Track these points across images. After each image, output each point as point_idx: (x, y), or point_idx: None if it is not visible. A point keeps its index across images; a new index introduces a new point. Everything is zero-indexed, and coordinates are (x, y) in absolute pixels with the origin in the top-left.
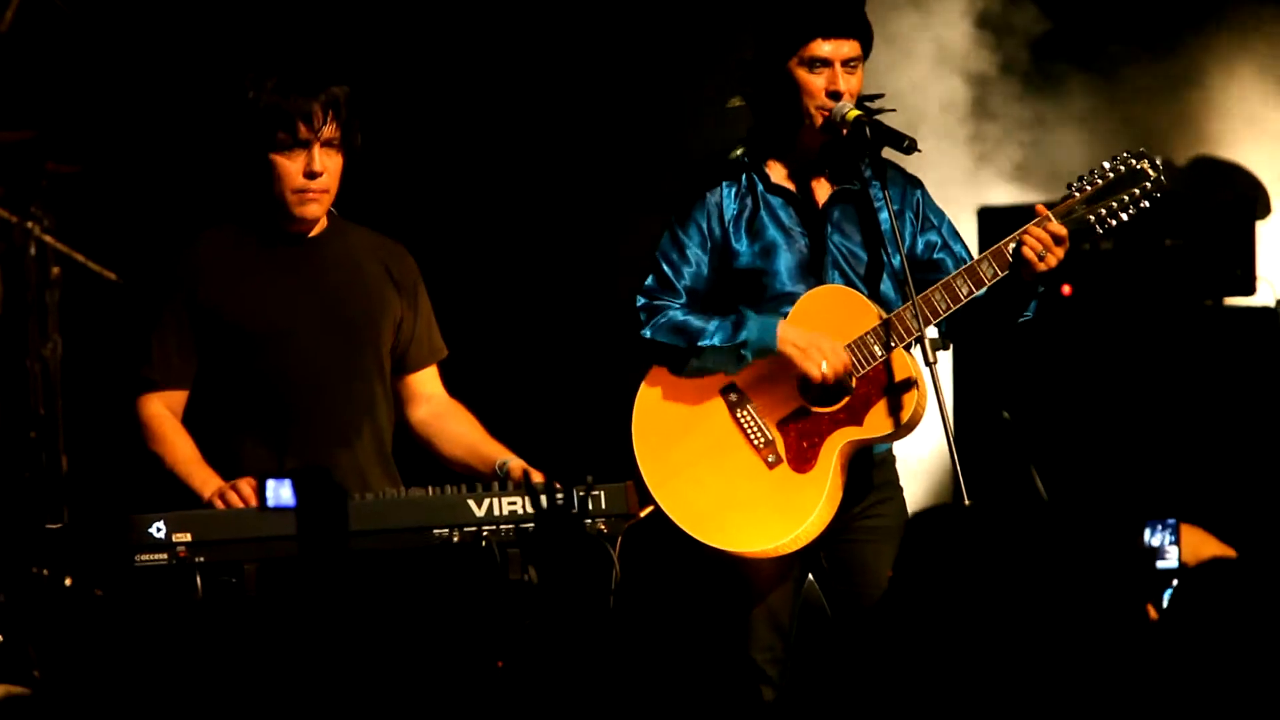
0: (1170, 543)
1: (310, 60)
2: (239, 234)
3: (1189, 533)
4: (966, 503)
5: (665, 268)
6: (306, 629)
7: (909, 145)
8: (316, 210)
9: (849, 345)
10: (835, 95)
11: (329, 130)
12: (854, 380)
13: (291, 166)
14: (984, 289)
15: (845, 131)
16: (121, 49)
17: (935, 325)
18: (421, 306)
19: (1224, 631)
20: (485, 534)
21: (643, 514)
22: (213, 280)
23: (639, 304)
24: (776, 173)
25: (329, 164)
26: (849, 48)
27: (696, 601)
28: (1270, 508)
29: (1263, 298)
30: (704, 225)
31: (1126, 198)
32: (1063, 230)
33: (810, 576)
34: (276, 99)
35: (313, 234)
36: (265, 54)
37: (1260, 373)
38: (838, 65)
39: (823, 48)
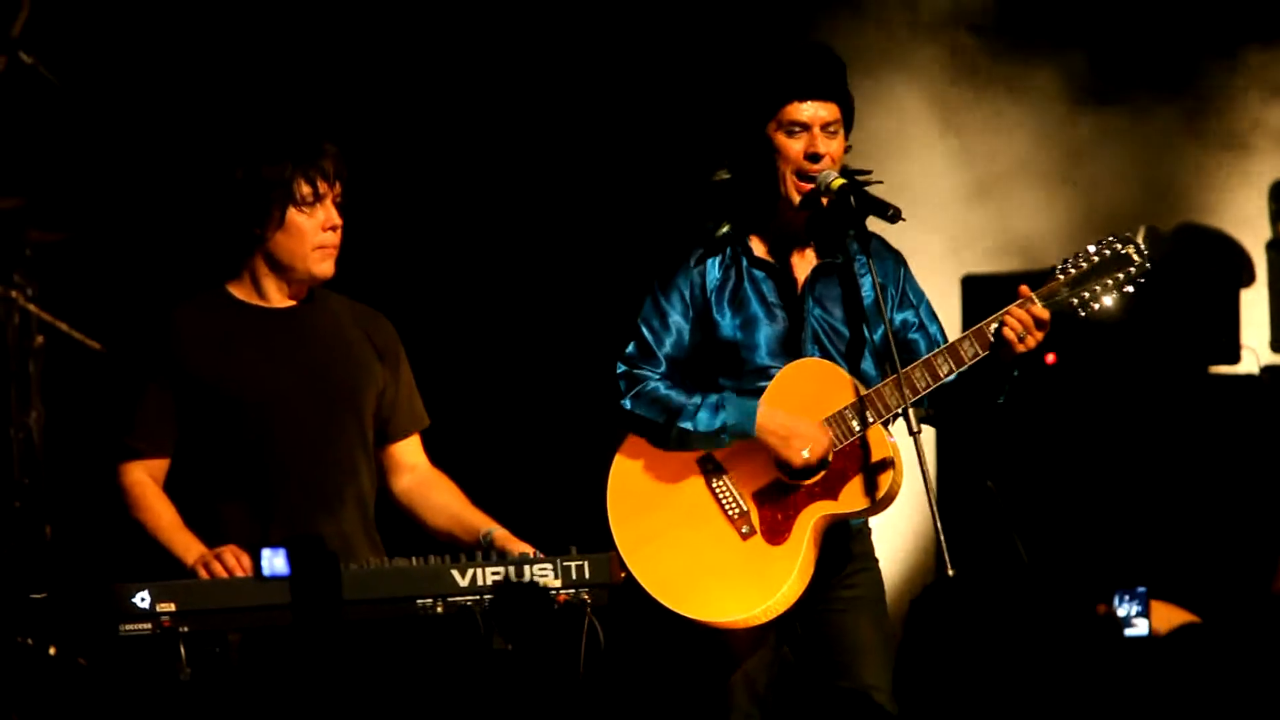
0: (1138, 613)
1: (311, 121)
2: (221, 303)
3: (1159, 606)
4: (950, 572)
5: (647, 334)
6: (291, 699)
7: (893, 214)
8: (331, 267)
9: (827, 420)
10: (814, 158)
11: (338, 186)
12: (830, 455)
13: (312, 223)
14: (964, 368)
15: (827, 201)
16: (107, 119)
17: (914, 403)
18: (403, 374)
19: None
20: (469, 603)
21: (620, 579)
22: (195, 349)
23: (619, 371)
24: (759, 247)
25: (339, 218)
26: (827, 111)
27: (675, 668)
28: (1252, 573)
29: (1246, 366)
30: (686, 294)
31: (1110, 281)
32: (1045, 314)
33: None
34: (293, 160)
35: (293, 303)
36: (262, 118)
37: (1245, 440)
38: (816, 129)
39: (801, 111)
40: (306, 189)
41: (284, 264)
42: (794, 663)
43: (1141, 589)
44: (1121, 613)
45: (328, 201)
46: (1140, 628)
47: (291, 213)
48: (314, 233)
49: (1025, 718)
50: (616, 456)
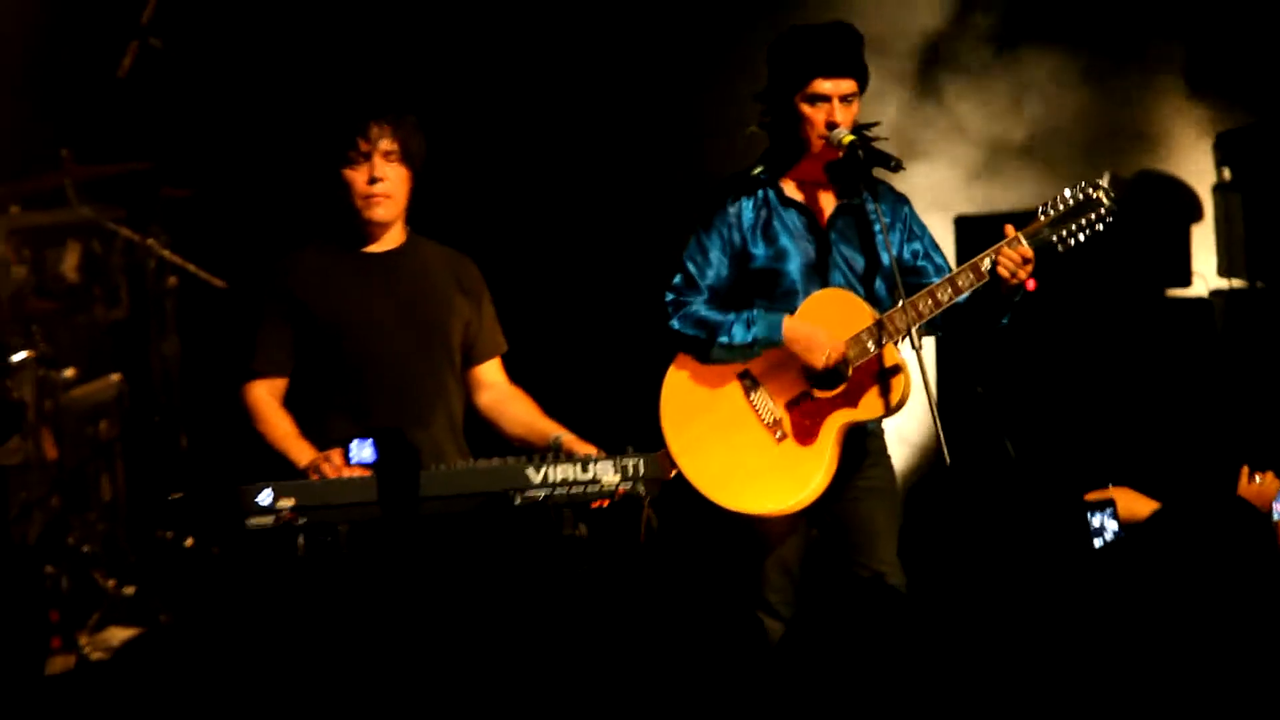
0: (1110, 518)
1: (367, 88)
2: (330, 247)
3: (1121, 493)
4: (947, 462)
5: (691, 268)
6: (393, 581)
7: (895, 165)
8: (383, 214)
9: (847, 341)
10: (832, 126)
11: (386, 144)
12: (850, 369)
13: (357, 176)
14: (963, 296)
15: (841, 154)
16: (225, 91)
17: (921, 324)
18: (485, 308)
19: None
20: (543, 497)
21: (670, 475)
22: (308, 285)
23: (668, 299)
24: (789, 188)
25: (389, 172)
26: (846, 85)
27: (719, 552)
28: (1201, 465)
29: (1197, 290)
30: (725, 233)
31: (1084, 221)
32: (1030, 253)
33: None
34: (341, 123)
35: (392, 248)
36: (331, 87)
37: (1195, 351)
38: (835, 100)
39: (823, 86)
40: (349, 150)
41: (350, 211)
42: (821, 544)
43: (1109, 501)
44: (1095, 524)
45: (375, 158)
46: (1109, 531)
47: (345, 171)
48: (360, 186)
49: (1011, 585)
50: (668, 372)
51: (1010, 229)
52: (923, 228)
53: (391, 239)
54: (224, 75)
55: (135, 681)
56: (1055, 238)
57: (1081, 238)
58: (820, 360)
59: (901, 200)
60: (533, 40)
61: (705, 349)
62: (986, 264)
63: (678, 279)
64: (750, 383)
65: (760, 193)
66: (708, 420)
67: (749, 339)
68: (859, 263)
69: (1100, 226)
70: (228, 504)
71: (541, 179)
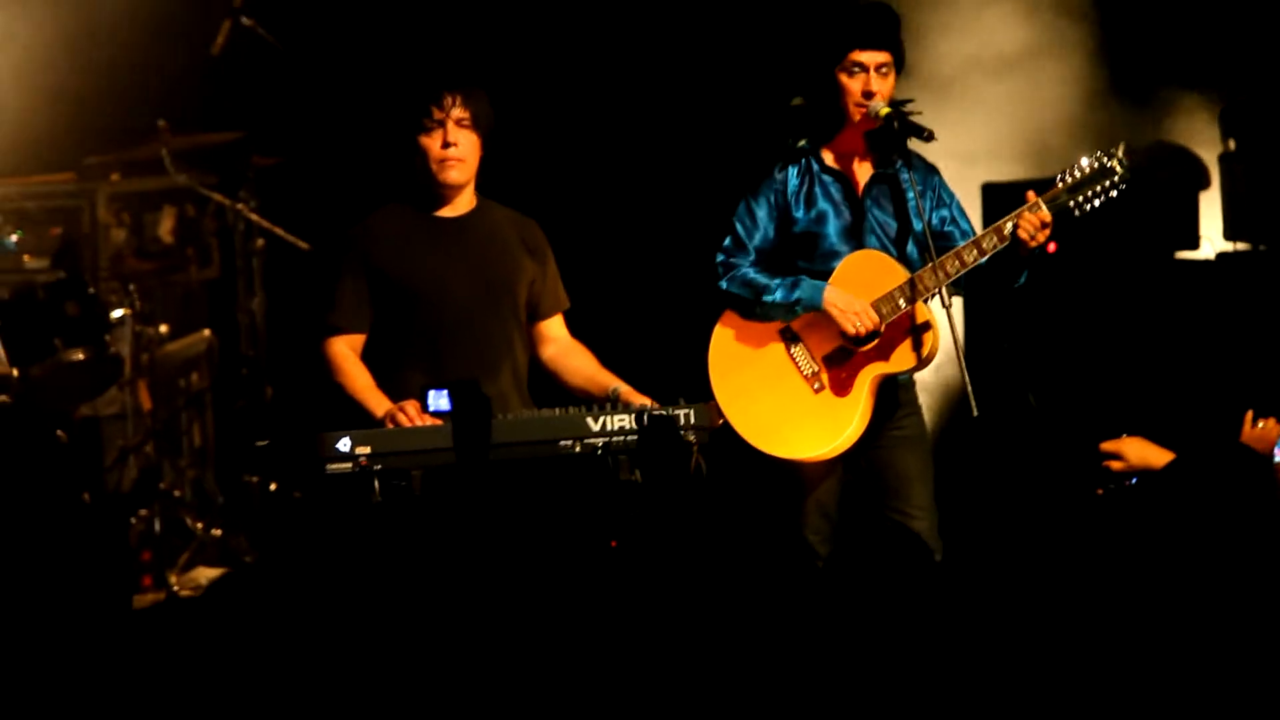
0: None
1: (441, 63)
2: (406, 211)
3: (1134, 442)
4: (975, 413)
5: (740, 230)
6: (462, 523)
7: (928, 136)
8: (456, 176)
9: (878, 299)
10: (869, 95)
11: (458, 112)
12: (883, 325)
13: (432, 142)
14: (986, 258)
15: (878, 124)
16: (311, 66)
17: (948, 284)
18: (549, 268)
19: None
20: (601, 445)
21: (718, 423)
22: (385, 247)
23: (718, 260)
24: (828, 157)
25: (461, 138)
26: (882, 56)
27: (762, 494)
28: (1207, 415)
29: (1204, 252)
30: (771, 199)
31: (1100, 188)
32: (1049, 217)
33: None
34: (417, 93)
35: (463, 212)
36: (408, 64)
37: (1203, 309)
38: (872, 71)
39: (860, 56)
40: (425, 119)
41: (427, 176)
42: (856, 488)
43: (1133, 478)
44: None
45: (449, 124)
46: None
47: (421, 138)
48: (435, 150)
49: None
50: (716, 328)
51: (1031, 194)
52: (951, 195)
53: (463, 203)
54: (309, 51)
55: (220, 617)
56: (1072, 203)
57: (1097, 203)
58: (853, 328)
59: (932, 170)
60: (591, 15)
61: (751, 307)
62: (1009, 228)
63: (727, 241)
64: (791, 338)
65: (803, 161)
66: (751, 373)
67: (791, 299)
68: (892, 227)
69: (1115, 193)
70: (309, 451)
71: (601, 149)
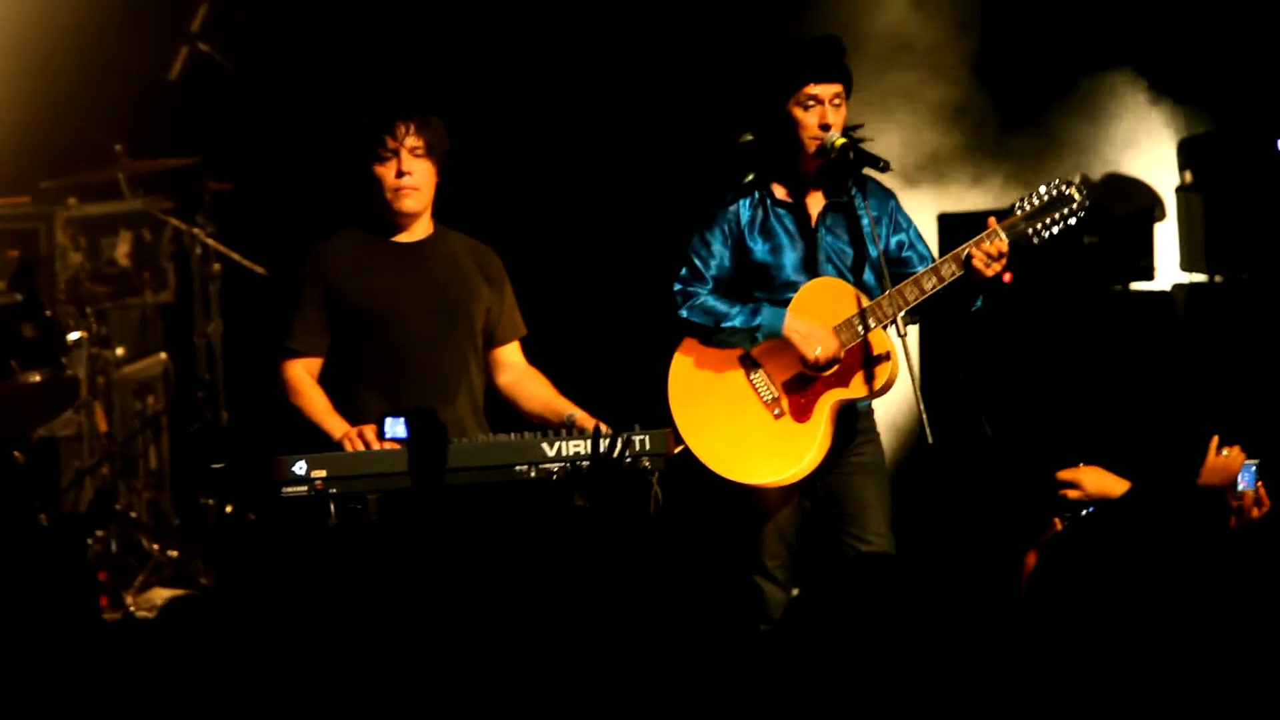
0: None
1: (395, 92)
2: (363, 236)
3: (1090, 471)
4: (930, 440)
5: (696, 261)
6: (418, 547)
7: (884, 166)
8: (411, 204)
9: (838, 326)
10: (825, 127)
11: (412, 140)
12: (843, 352)
13: (387, 171)
14: (944, 285)
15: (834, 155)
16: (266, 92)
17: (906, 311)
18: (506, 295)
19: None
20: (556, 470)
21: (676, 450)
22: (341, 272)
23: (676, 289)
24: (779, 191)
25: (416, 167)
26: (835, 88)
27: (720, 520)
28: (1163, 444)
29: (1160, 283)
30: (725, 229)
31: (1057, 215)
32: (1005, 247)
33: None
34: (372, 123)
35: (421, 238)
36: (364, 91)
37: (1158, 338)
38: (827, 103)
39: (815, 90)
40: (379, 148)
41: (382, 204)
42: (814, 515)
43: (1090, 508)
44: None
45: (403, 153)
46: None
47: (376, 167)
48: (390, 179)
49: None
50: (675, 355)
51: (992, 221)
52: (908, 220)
53: (420, 230)
54: (266, 78)
55: (176, 638)
56: (1030, 230)
57: (1055, 230)
58: (812, 355)
59: (889, 195)
60: (546, 49)
61: (711, 335)
62: (965, 255)
63: (684, 271)
64: (750, 364)
65: (754, 194)
66: (712, 399)
67: (752, 325)
68: (849, 255)
69: (1073, 221)
70: (265, 474)
71: (558, 178)
